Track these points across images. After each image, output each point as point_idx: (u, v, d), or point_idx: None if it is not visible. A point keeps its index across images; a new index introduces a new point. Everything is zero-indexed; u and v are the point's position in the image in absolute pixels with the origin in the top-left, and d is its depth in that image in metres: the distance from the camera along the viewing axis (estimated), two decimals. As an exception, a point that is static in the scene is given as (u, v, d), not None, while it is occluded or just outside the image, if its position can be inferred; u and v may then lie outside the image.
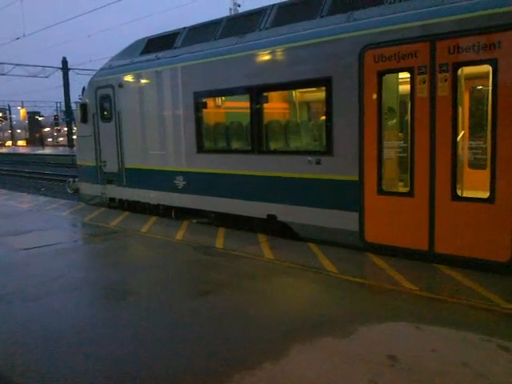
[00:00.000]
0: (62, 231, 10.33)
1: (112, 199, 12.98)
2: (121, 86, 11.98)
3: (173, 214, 11.48)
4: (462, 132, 7.33)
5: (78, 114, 13.42)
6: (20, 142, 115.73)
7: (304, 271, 7.10)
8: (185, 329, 5.14)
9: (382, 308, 5.59)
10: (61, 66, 55.53)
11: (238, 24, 10.26)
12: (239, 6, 43.77)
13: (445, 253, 7.15)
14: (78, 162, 14.24)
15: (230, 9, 42.65)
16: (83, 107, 13.17)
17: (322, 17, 8.73)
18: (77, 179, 14.78)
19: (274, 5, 10.06)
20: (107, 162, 12.76)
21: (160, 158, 11.35)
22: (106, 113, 12.54)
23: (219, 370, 4.19)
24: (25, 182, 28.48)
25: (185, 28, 11.61)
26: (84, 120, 13.19)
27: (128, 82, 11.89)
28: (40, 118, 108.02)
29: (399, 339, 4.74)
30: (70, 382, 4.05)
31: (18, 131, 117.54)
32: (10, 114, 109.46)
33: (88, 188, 13.78)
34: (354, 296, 6.04)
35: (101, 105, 12.65)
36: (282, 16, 9.47)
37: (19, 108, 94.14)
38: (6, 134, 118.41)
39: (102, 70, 13.10)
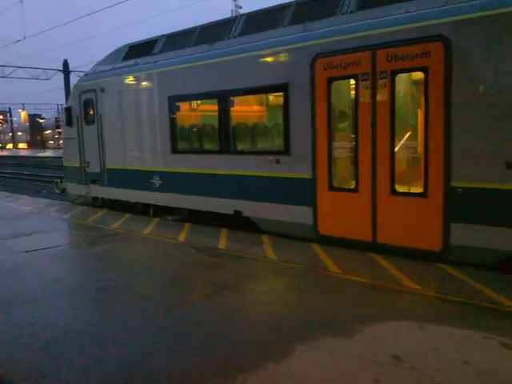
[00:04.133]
0: (63, 233, 10.57)
1: (95, 198, 13.83)
2: (102, 90, 12.84)
3: (151, 212, 12.30)
4: (400, 133, 8.11)
5: (64, 117, 14.27)
6: (21, 145, 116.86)
7: (307, 271, 7.23)
8: (188, 329, 5.20)
9: (385, 308, 5.70)
10: (62, 69, 56.35)
11: (211, 32, 11.09)
12: (241, 7, 44.46)
13: (386, 243, 7.97)
14: (65, 163, 15.14)
15: (232, 10, 43.13)
16: (68, 111, 14.07)
17: (284, 26, 9.53)
18: (64, 179, 15.62)
19: (242, 14, 10.91)
20: (90, 163, 13.63)
21: (138, 159, 12.21)
22: (89, 116, 13.42)
23: (222, 370, 4.25)
24: (26, 185, 28.93)
25: (163, 35, 12.45)
26: (69, 123, 14.09)
27: (109, 86, 12.76)
28: (41, 121, 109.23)
29: (402, 339, 4.82)
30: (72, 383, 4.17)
31: (19, 134, 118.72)
32: (10, 116, 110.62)
33: (74, 188, 14.68)
34: (357, 296, 6.14)
35: (84, 108, 13.53)
36: (250, 25, 10.29)
37: (20, 110, 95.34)
38: (7, 137, 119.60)
39: (86, 75, 13.99)
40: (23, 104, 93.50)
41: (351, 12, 8.63)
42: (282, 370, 4.21)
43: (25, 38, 40.45)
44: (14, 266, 7.94)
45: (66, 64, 56.09)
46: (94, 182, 13.66)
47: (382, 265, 7.42)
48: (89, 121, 13.45)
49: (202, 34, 11.25)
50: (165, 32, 12.68)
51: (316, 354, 4.51)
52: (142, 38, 13.47)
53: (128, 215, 12.28)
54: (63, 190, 15.65)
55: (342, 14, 8.74)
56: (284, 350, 4.60)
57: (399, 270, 7.09)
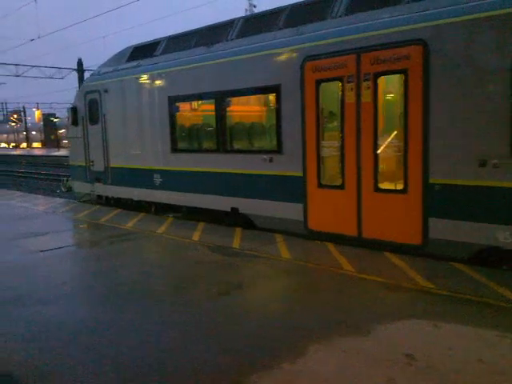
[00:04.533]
0: (77, 233, 10.69)
1: (100, 196, 14.44)
2: (106, 91, 13.44)
3: (152, 210, 12.86)
4: (383, 133, 8.56)
5: (69, 117, 14.90)
6: (35, 144, 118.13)
7: (321, 270, 7.33)
8: (202, 329, 5.26)
9: (399, 306, 5.77)
10: (76, 67, 57.05)
11: (210, 35, 11.61)
12: (255, 6, 44.83)
13: (370, 237, 8.42)
14: (71, 162, 15.80)
15: (246, 9, 43.24)
16: (74, 111, 14.70)
17: (279, 29, 10.01)
18: (70, 178, 16.27)
19: (240, 17, 11.39)
20: (95, 162, 14.25)
21: (140, 158, 12.77)
22: (93, 116, 14.02)
23: (237, 369, 4.29)
24: (40, 184, 29.26)
25: (166, 37, 13.00)
26: (75, 123, 14.72)
27: (112, 87, 13.36)
28: (55, 120, 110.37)
29: (416, 337, 4.88)
30: (88, 383, 4.22)
31: (34, 133, 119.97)
32: (25, 115, 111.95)
33: (79, 186, 15.32)
34: (372, 295, 6.21)
35: (89, 108, 14.14)
36: (247, 28, 10.79)
37: (34, 110, 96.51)
38: (21, 136, 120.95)
39: (91, 75, 14.63)
40: (37, 103, 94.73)
41: (340, 16, 9.07)
42: (296, 369, 4.26)
43: (39, 37, 41.02)
44: (28, 265, 8.06)
45: (80, 63, 56.74)
46: (98, 180, 14.26)
47: (396, 264, 7.53)
48: (93, 121, 14.06)
49: (202, 37, 11.77)
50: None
51: (330, 353, 4.57)
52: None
53: (141, 214, 12.49)
54: (70, 189, 16.28)
55: (332, 17, 9.18)
56: (298, 349, 4.65)
57: (413, 268, 7.19)
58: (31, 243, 9.55)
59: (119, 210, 13.27)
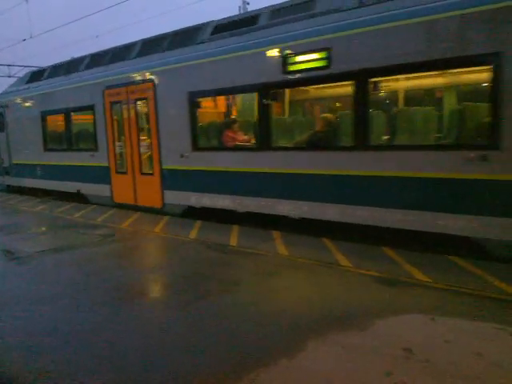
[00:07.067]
0: (73, 233, 10.78)
1: (8, 186, 19.60)
2: (7, 106, 18.56)
3: (39, 194, 17.95)
4: (142, 138, 13.48)
5: None
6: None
7: (318, 266, 7.38)
8: (199, 327, 5.27)
9: (396, 301, 5.81)
10: (69, 67, 59.82)
11: (71, 66, 16.63)
12: (248, 3, 46.84)
13: (141, 204, 13.38)
14: None
15: (239, 7, 44.87)
16: None
17: (102, 66, 14.93)
18: None
19: (89, 54, 16.30)
20: (4, 159, 19.41)
21: (29, 155, 17.92)
22: (1, 125, 19.13)
23: (235, 366, 4.31)
24: None
25: (49, 66, 18.01)
26: None
27: (11, 104, 18.53)
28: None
29: (414, 331, 4.92)
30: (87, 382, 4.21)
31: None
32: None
33: None
34: (369, 289, 6.26)
35: None
36: (90, 63, 15.77)
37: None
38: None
39: (2, 93, 19.66)
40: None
41: (134, 58, 13.96)
42: (294, 366, 4.30)
43: (31, 37, 44.13)
44: (24, 266, 8.17)
45: (72, 62, 60.31)
46: (7, 173, 19.42)
47: (392, 258, 7.66)
48: (1, 129, 19.18)
49: (68, 67, 16.76)
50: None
51: (328, 348, 4.60)
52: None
53: (137, 214, 13.22)
54: None
55: (129, 59, 14.08)
56: (296, 345, 4.68)
57: (410, 263, 7.32)
58: (27, 244, 9.75)
59: (114, 211, 13.86)
